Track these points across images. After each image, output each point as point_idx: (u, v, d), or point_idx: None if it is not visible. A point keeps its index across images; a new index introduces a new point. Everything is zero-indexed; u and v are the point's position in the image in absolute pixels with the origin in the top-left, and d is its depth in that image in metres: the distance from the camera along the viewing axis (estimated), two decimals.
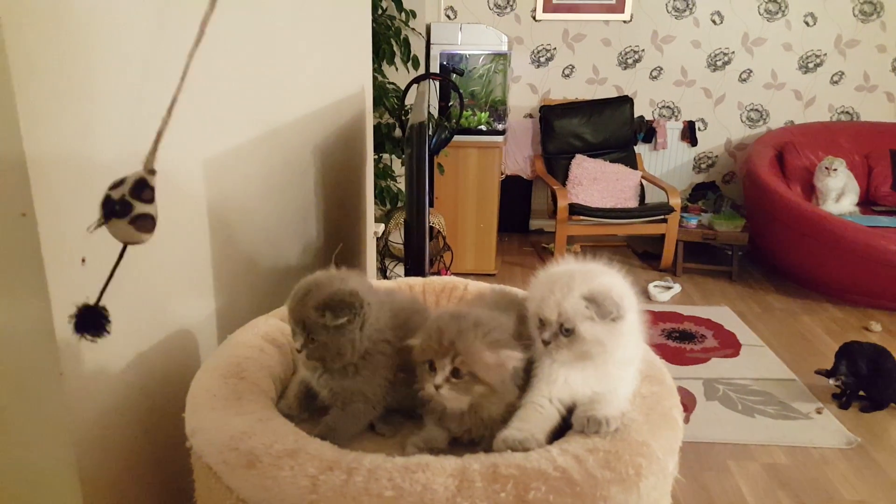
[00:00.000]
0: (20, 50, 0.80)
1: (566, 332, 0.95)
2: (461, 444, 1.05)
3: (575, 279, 0.97)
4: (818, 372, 3.00)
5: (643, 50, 5.02)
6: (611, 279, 1.00)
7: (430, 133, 3.34)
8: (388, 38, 3.66)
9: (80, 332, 0.87)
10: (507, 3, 4.94)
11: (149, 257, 1.14)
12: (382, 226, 3.27)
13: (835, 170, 4.35)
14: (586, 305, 0.95)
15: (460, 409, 1.00)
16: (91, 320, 0.87)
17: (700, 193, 5.09)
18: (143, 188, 0.84)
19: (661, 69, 5.06)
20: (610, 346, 0.96)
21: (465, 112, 4.32)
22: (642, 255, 4.90)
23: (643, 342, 1.09)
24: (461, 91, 3.78)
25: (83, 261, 0.96)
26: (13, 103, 0.81)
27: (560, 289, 0.96)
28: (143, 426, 1.16)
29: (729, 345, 3.52)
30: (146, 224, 0.85)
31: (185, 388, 1.07)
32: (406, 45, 3.80)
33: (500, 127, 4.45)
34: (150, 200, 0.86)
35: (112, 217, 0.83)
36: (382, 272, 3.59)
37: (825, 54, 4.95)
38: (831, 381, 2.87)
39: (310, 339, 1.02)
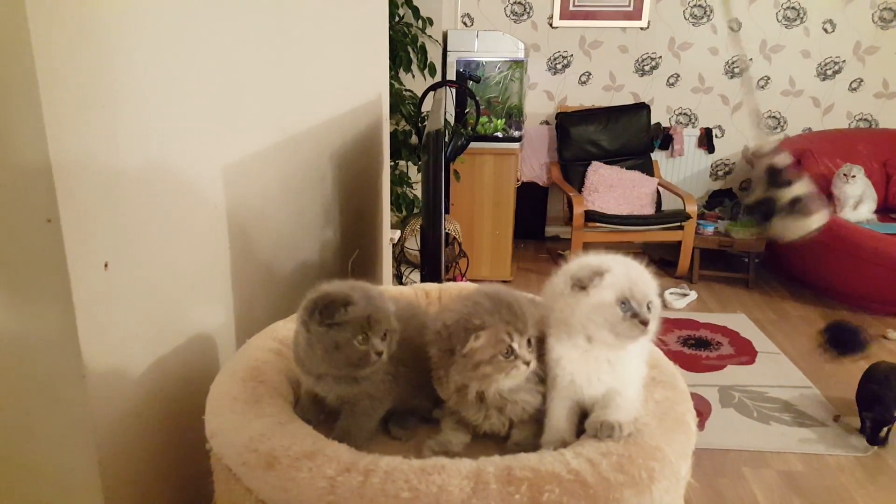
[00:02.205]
0: (47, 58, 0.83)
1: (649, 307, 0.98)
2: (478, 436, 1.07)
3: (630, 261, 1.03)
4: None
5: (660, 57, 5.02)
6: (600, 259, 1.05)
7: (447, 140, 3.36)
8: (404, 46, 3.68)
9: None
10: (524, 10, 4.96)
11: (168, 262, 1.16)
12: (398, 232, 3.29)
13: (853, 177, 4.32)
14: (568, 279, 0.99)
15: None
16: None
17: (717, 200, 5.07)
18: None
19: (679, 76, 5.06)
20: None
21: (481, 119, 4.34)
22: (658, 262, 4.89)
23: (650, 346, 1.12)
24: (477, 98, 3.79)
25: (106, 265, 0.98)
26: (40, 111, 0.83)
27: (637, 270, 1.02)
28: (164, 428, 1.18)
29: (745, 352, 3.51)
30: None
31: (204, 390, 1.09)
32: (423, 52, 3.83)
33: (516, 134, 4.47)
34: None
35: None
36: (398, 278, 3.61)
37: (844, 61, 4.93)
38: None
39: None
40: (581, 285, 0.97)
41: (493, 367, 0.98)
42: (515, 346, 0.98)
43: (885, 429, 2.65)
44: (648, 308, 0.97)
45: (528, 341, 1.00)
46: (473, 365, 0.99)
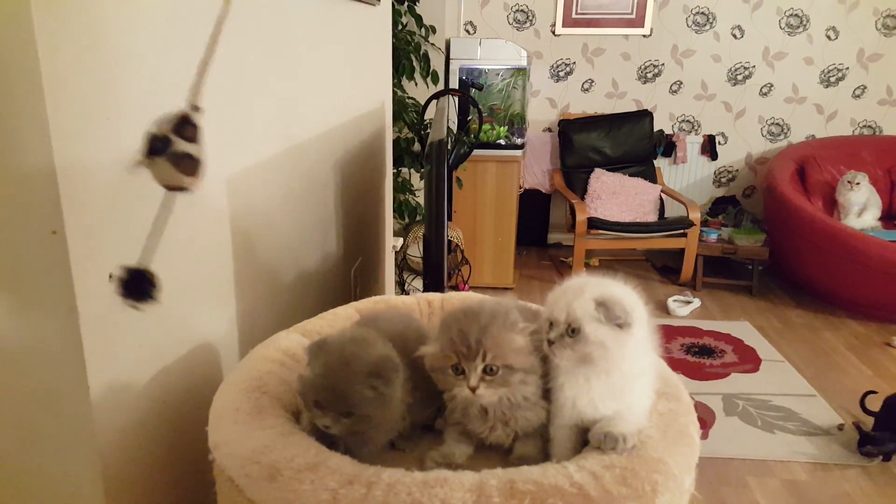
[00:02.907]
0: (53, 68, 0.83)
1: (572, 332, 0.96)
2: (482, 446, 1.07)
3: (588, 285, 0.99)
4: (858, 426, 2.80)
5: (663, 64, 5.03)
6: (623, 290, 1.02)
7: (450, 148, 3.37)
8: (407, 54, 3.69)
9: (127, 297, 0.82)
10: (527, 17, 4.97)
11: (172, 273, 1.16)
12: (401, 239, 3.30)
13: (857, 184, 4.32)
14: (595, 308, 0.96)
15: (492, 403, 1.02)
16: (137, 284, 0.82)
17: (720, 208, 5.07)
18: (184, 125, 0.78)
19: (681, 83, 5.06)
20: (613, 352, 0.96)
21: (483, 126, 4.34)
22: (661, 270, 4.88)
23: (656, 357, 1.10)
24: (480, 106, 3.80)
25: (111, 276, 0.98)
26: (45, 121, 0.83)
27: (573, 292, 0.98)
28: (167, 439, 1.18)
29: (749, 360, 3.50)
30: (188, 165, 0.77)
31: (207, 401, 1.08)
32: (426, 60, 3.84)
33: (518, 141, 4.47)
34: (193, 139, 0.78)
35: (153, 154, 0.76)
36: (401, 285, 3.61)
37: (847, 68, 4.93)
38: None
39: (344, 415, 0.97)
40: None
41: (443, 378, 1.02)
42: (465, 367, 0.98)
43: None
44: (570, 332, 0.96)
45: (490, 369, 0.98)
46: (429, 368, 1.03)
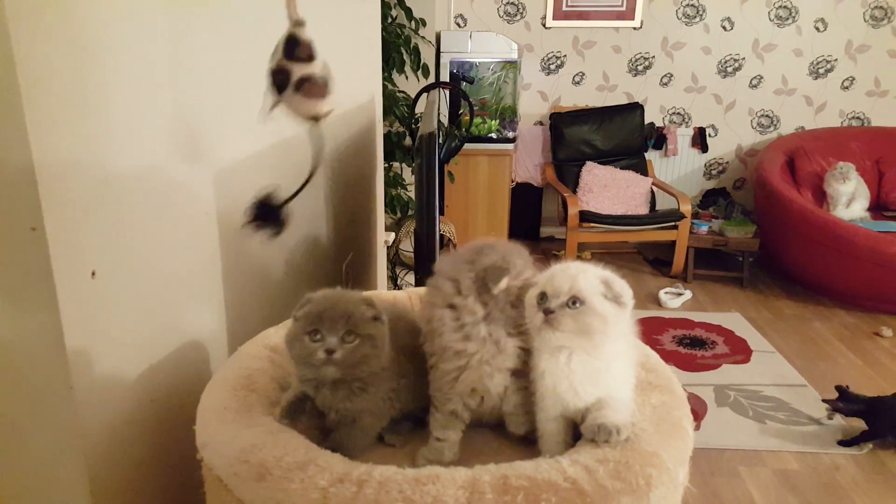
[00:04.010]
0: (30, 61, 0.81)
1: (573, 303, 0.97)
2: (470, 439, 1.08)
3: (587, 266, 1.02)
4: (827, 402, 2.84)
5: (653, 56, 5.02)
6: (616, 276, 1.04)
7: (441, 142, 3.35)
8: (397, 47, 3.67)
9: (258, 221, 0.82)
10: (517, 10, 4.95)
11: (158, 269, 1.14)
12: (393, 234, 3.28)
13: (846, 175, 4.33)
14: (600, 283, 0.99)
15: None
16: (270, 215, 0.82)
17: (711, 200, 5.07)
18: (294, 47, 0.73)
19: (672, 76, 5.06)
20: (611, 327, 0.98)
21: (475, 120, 4.33)
22: (653, 262, 4.89)
23: (637, 346, 1.12)
24: (471, 99, 3.78)
25: (93, 274, 0.96)
26: (22, 116, 0.81)
27: (575, 268, 1.01)
28: (154, 438, 1.17)
29: (740, 351, 3.51)
30: (314, 88, 0.73)
31: (195, 399, 1.07)
32: (416, 53, 3.81)
33: (510, 134, 4.46)
34: (309, 58, 0.72)
35: (280, 91, 0.71)
36: (393, 280, 3.60)
37: (836, 60, 4.93)
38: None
39: (347, 337, 0.99)
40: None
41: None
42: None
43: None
44: (572, 303, 0.97)
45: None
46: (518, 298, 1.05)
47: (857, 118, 5.06)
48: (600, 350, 1.00)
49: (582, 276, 0.99)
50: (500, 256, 1.03)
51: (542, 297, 0.99)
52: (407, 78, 3.82)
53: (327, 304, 1.00)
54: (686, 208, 4.37)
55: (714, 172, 5.26)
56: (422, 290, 1.49)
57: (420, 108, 3.40)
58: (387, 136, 3.49)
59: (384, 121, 3.32)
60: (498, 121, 4.47)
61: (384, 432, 1.10)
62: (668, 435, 0.98)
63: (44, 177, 0.85)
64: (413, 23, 3.80)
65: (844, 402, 2.66)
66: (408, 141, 3.59)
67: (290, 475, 0.86)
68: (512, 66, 4.43)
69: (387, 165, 3.56)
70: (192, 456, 1.00)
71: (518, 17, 4.98)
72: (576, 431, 1.02)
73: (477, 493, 0.83)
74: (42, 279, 0.88)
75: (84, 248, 0.94)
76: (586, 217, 4.39)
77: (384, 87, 3.28)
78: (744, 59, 4.98)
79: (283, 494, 0.85)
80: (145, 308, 1.11)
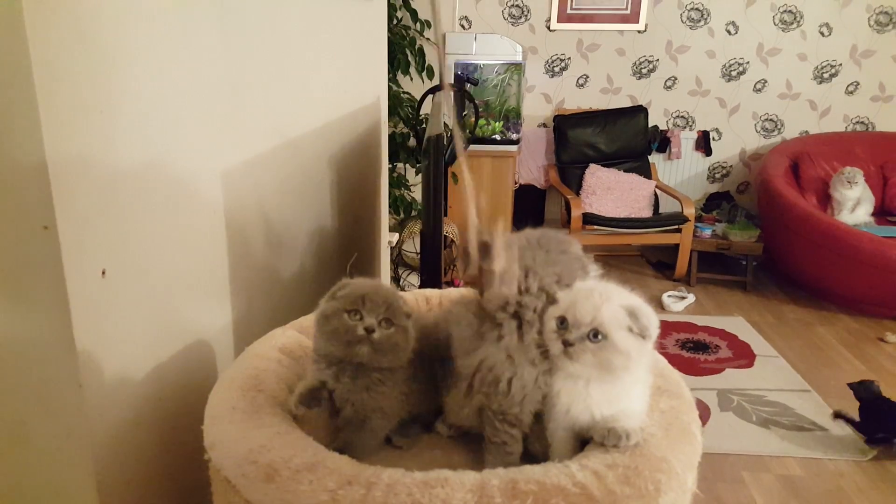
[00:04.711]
0: (44, 62, 0.81)
1: (595, 336, 0.93)
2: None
3: (612, 291, 0.97)
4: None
5: (657, 60, 5.02)
6: (641, 300, 0.99)
7: (445, 143, 3.35)
8: (403, 49, 3.68)
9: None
10: (522, 13, 4.95)
11: (166, 269, 1.14)
12: (396, 235, 3.28)
13: (856, 182, 4.33)
14: (626, 316, 0.94)
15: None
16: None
17: (714, 203, 5.07)
18: None
19: (676, 79, 5.05)
20: (634, 362, 0.95)
21: (479, 121, 4.33)
22: (656, 265, 4.88)
23: (655, 357, 1.10)
24: (475, 101, 3.78)
25: (103, 273, 0.96)
26: (37, 116, 0.81)
27: (599, 295, 0.95)
28: (161, 437, 1.17)
29: (743, 355, 3.50)
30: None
31: (202, 398, 1.07)
32: (421, 55, 3.82)
33: (514, 136, 4.46)
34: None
35: None
36: (396, 281, 3.60)
37: (840, 64, 4.93)
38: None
39: (384, 323, 1.02)
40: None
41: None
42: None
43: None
44: (593, 336, 0.93)
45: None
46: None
47: (862, 123, 5.05)
48: (621, 380, 0.97)
49: (606, 306, 0.93)
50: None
51: (563, 322, 0.94)
52: (412, 79, 3.83)
53: (370, 289, 1.04)
54: (689, 212, 4.36)
55: (718, 176, 5.25)
56: (429, 291, 1.49)
57: (425, 109, 3.40)
58: (391, 137, 3.49)
59: (389, 122, 3.32)
60: (502, 122, 4.47)
61: (392, 434, 1.10)
62: (677, 440, 0.98)
63: (57, 176, 0.85)
64: (418, 24, 3.81)
65: (865, 391, 2.69)
66: (412, 142, 3.59)
67: (298, 476, 0.86)
68: (516, 68, 4.43)
69: (391, 166, 3.56)
70: (200, 456, 1.00)
71: (522, 19, 4.97)
72: (582, 437, 1.02)
73: (486, 496, 0.83)
74: (53, 278, 0.88)
75: (95, 247, 0.94)
76: (589, 219, 4.38)
77: (389, 88, 3.28)
78: (748, 63, 4.98)
79: (292, 496, 0.85)
80: (153, 307, 1.11)
